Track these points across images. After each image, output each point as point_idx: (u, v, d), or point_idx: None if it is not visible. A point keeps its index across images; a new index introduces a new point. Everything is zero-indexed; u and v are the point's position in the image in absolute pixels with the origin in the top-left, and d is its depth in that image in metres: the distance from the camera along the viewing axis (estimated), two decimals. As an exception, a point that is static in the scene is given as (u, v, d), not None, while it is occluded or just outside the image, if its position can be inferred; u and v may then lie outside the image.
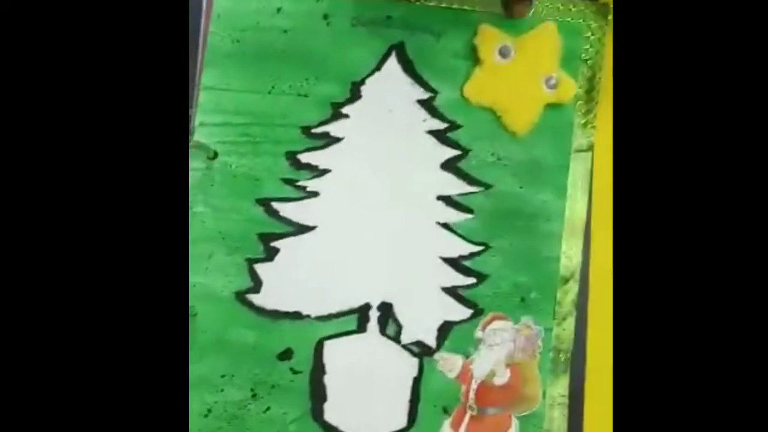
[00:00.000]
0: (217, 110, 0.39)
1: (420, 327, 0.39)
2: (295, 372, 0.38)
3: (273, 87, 0.39)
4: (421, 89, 0.39)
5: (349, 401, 0.38)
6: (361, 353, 0.38)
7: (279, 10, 0.39)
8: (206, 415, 0.37)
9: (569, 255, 0.40)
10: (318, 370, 0.38)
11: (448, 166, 0.39)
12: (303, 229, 0.38)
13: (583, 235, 0.40)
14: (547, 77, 0.39)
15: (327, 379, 0.38)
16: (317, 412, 0.38)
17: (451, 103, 0.39)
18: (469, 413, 0.38)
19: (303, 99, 0.39)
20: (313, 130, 0.39)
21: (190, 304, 0.38)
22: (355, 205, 0.39)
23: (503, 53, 0.39)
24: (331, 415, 0.38)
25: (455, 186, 0.39)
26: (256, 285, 0.38)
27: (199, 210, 0.38)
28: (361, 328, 0.38)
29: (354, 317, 0.38)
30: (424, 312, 0.39)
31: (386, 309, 0.38)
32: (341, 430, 0.38)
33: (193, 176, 0.38)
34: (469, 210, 0.39)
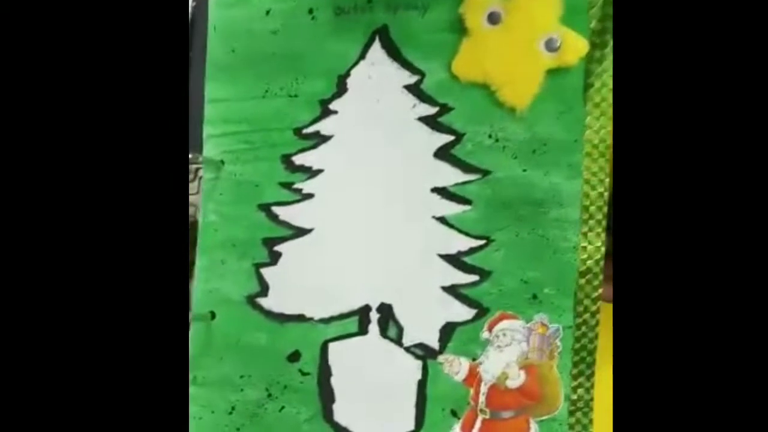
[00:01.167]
0: (220, 121, 0.40)
1: (421, 328, 0.37)
2: (304, 373, 0.38)
3: (266, 91, 0.39)
4: (408, 73, 0.36)
5: (356, 403, 0.38)
6: (364, 356, 0.37)
7: (268, 12, 0.39)
8: (230, 413, 0.39)
9: (590, 243, 0.34)
10: (325, 371, 0.38)
11: (442, 154, 0.36)
12: (301, 231, 0.38)
13: (607, 219, 0.34)
14: (546, 39, 0.34)
15: (334, 381, 0.38)
16: (328, 413, 0.38)
17: (439, 84, 0.36)
18: (480, 417, 0.36)
19: (294, 99, 0.38)
20: (305, 131, 0.38)
21: (210, 308, 0.40)
22: (349, 204, 0.38)
23: (492, 19, 0.34)
24: (340, 416, 0.38)
25: (450, 175, 0.36)
26: (264, 289, 0.39)
27: (211, 219, 0.40)
28: (363, 330, 0.37)
29: (355, 319, 0.37)
30: (425, 313, 0.36)
31: (386, 310, 0.37)
32: (351, 431, 0.38)
33: (205, 186, 0.40)
34: (466, 201, 0.36)
